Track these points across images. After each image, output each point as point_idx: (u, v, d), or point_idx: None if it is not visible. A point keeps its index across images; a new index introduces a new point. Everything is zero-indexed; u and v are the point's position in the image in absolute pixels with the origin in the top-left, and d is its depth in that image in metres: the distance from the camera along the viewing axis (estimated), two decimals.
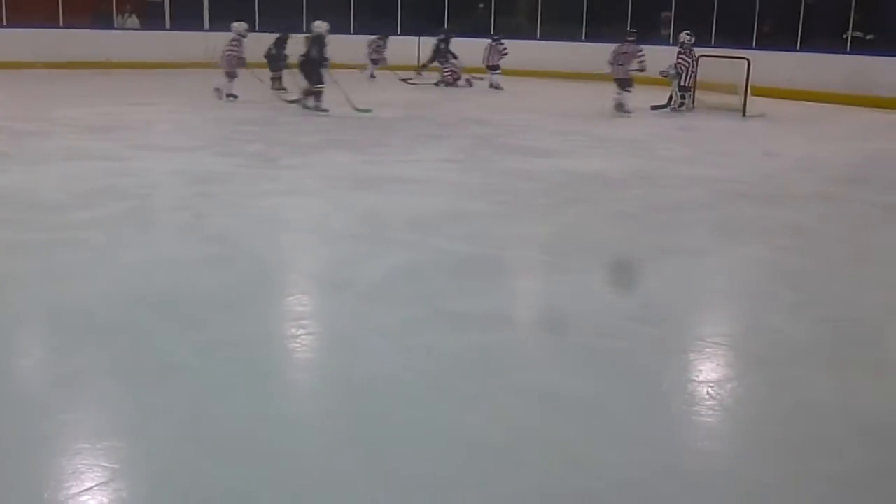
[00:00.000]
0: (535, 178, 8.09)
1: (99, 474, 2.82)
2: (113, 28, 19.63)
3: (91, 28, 19.22)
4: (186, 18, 20.08)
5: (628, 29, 15.08)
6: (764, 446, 3.19)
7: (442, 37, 18.32)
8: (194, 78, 16.80)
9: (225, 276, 5.03)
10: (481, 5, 21.30)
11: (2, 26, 18.25)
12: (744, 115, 13.16)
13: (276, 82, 14.33)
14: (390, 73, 18.17)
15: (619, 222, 6.50)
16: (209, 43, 15.36)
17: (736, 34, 16.65)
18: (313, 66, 12.08)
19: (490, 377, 3.72)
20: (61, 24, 18.71)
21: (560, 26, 20.03)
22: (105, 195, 6.85)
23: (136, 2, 20.55)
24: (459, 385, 3.63)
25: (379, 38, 18.97)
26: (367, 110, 12.16)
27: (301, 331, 4.22)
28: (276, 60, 14.48)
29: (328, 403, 3.52)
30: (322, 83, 12.08)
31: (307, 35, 12.51)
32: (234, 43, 13.43)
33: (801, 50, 15.97)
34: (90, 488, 2.73)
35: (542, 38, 19.96)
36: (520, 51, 18.29)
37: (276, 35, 14.60)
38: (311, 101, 12.19)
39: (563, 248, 5.83)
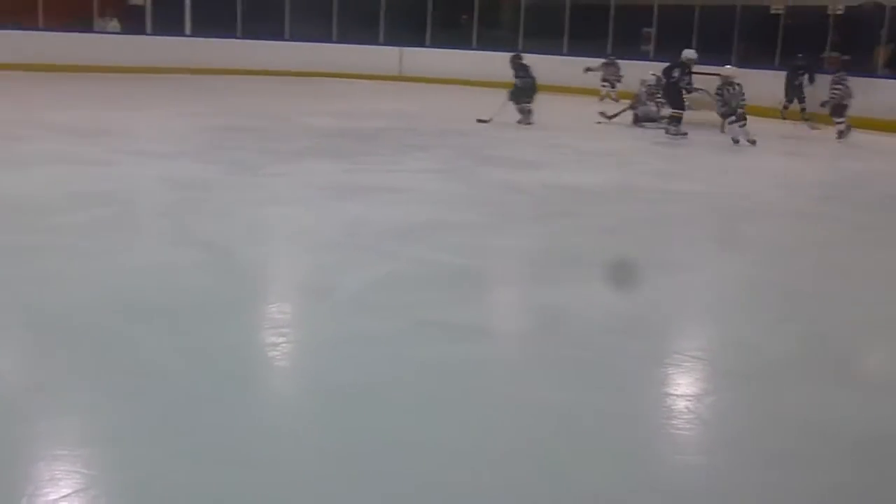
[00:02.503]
0: (519, 191, 8.14)
1: (77, 481, 2.81)
2: (93, 32, 19.54)
3: (71, 31, 19.12)
4: (168, 23, 20.03)
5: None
6: (741, 460, 3.23)
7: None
8: (176, 83, 16.80)
9: (207, 283, 5.02)
10: (464, 17, 21.37)
11: None
12: (722, 131, 13.25)
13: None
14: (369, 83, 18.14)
15: (601, 236, 6.56)
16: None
17: (715, 51, 16.79)
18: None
19: (471, 388, 3.74)
20: (40, 26, 18.62)
21: (542, 40, 20.14)
22: (88, 200, 6.82)
23: (118, 6, 20.48)
24: (440, 395, 3.64)
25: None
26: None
27: (282, 339, 4.22)
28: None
29: (308, 412, 3.53)
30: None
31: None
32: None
33: (779, 68, 16.13)
34: (67, 495, 2.72)
35: (525, 52, 20.04)
36: (503, 63, 18.39)
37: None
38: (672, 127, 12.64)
39: (545, 261, 5.87)
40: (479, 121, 12.79)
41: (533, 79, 13.12)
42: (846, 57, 15.54)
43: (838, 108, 13.02)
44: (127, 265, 5.24)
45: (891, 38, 15.24)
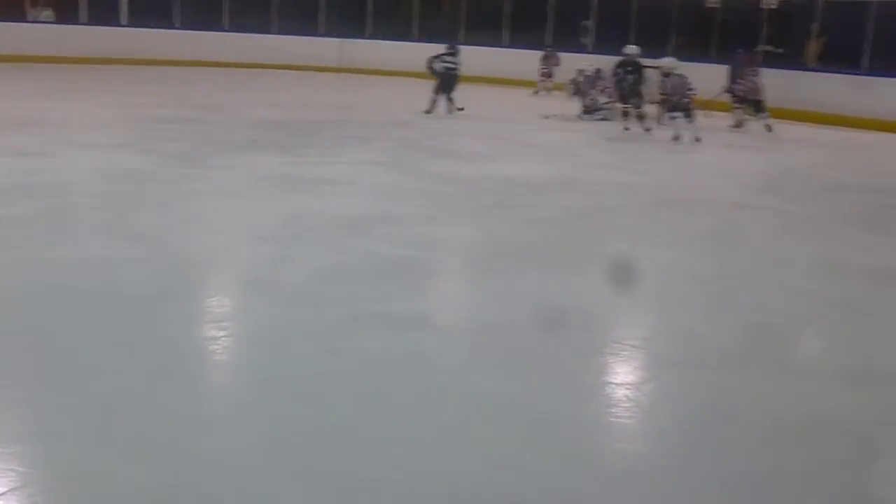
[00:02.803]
0: (461, 182, 8.17)
1: (11, 479, 2.77)
2: (26, 21, 19.11)
3: (3, 21, 18.66)
4: (103, 13, 19.66)
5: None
6: (678, 447, 3.30)
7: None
8: (113, 74, 16.52)
9: (146, 275, 4.95)
10: (405, 9, 21.33)
11: None
12: (660, 123, 13.42)
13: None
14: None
15: (541, 227, 6.61)
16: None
17: (653, 45, 17.01)
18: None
19: (413, 379, 3.76)
20: None
21: (483, 32, 20.21)
22: (22, 192, 6.69)
23: None
24: (383, 387, 3.65)
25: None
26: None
27: (222, 332, 4.20)
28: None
29: (248, 405, 3.50)
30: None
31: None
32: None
33: (716, 62, 16.39)
34: (2, 493, 2.68)
35: (466, 43, 20.10)
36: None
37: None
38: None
39: (486, 252, 5.91)
40: (425, 112, 12.83)
41: (453, 68, 13.14)
42: (760, 49, 15.88)
43: (758, 103, 13.15)
44: (62, 257, 5.15)
45: (822, 32, 15.58)
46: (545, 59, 17.58)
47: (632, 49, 13.14)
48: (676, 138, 11.79)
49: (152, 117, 11.46)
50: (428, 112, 12.85)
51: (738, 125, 13.35)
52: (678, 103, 12.01)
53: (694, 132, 11.81)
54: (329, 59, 20.50)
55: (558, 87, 16.04)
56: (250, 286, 4.99)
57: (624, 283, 5.44)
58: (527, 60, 17.60)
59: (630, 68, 12.72)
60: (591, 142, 11.83)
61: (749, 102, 13.22)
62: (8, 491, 2.69)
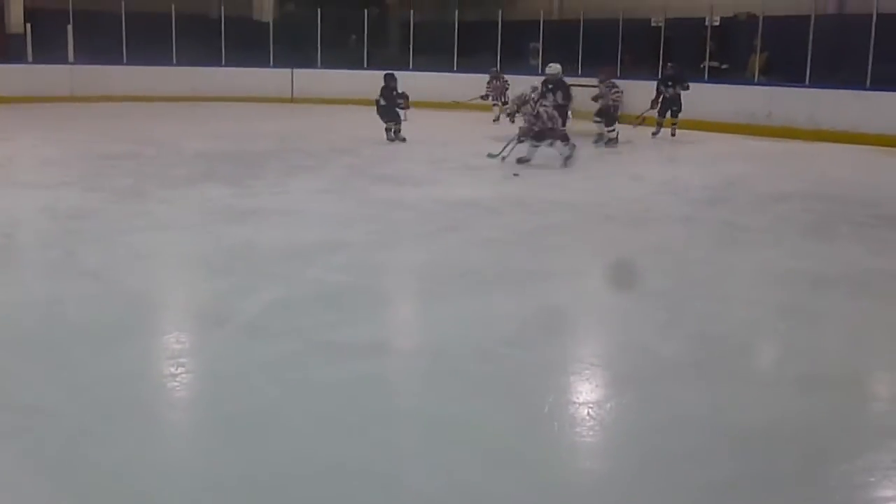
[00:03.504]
0: (409, 207, 8.14)
1: None
2: None
3: None
4: (50, 51, 19.44)
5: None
6: (640, 460, 3.32)
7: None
8: (57, 112, 16.32)
9: (97, 314, 4.87)
10: (353, 36, 21.37)
11: None
12: (607, 141, 13.57)
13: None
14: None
15: (491, 248, 6.61)
16: None
17: (600, 64, 17.20)
18: None
19: (371, 406, 3.74)
20: None
21: (433, 57, 20.30)
22: None
23: None
24: (340, 415, 3.63)
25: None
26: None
27: (178, 368, 4.14)
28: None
29: (207, 441, 3.46)
30: None
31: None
32: None
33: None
34: None
35: (414, 69, 20.20)
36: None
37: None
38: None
39: (437, 276, 5.90)
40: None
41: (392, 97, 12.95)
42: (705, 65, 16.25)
43: (611, 118, 13.29)
44: (10, 299, 5.06)
45: (764, 48, 15.84)
46: (491, 81, 17.42)
47: (554, 67, 12.89)
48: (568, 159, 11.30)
49: (97, 153, 11.29)
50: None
51: (599, 138, 13.28)
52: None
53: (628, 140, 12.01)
54: (281, 90, 20.46)
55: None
56: (204, 321, 4.94)
57: (576, 300, 5.45)
58: (477, 84, 17.68)
59: (551, 86, 12.53)
60: (536, 162, 11.69)
61: (605, 115, 13.30)
62: None
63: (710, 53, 16.70)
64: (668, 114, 14.45)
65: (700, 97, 14.85)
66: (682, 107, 14.35)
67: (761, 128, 14.74)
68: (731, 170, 11.40)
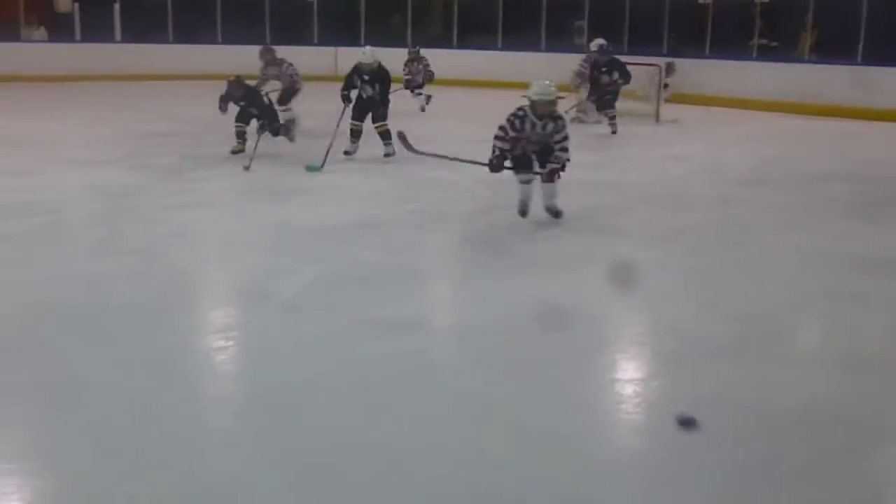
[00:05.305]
0: (447, 187, 8.12)
1: (26, 494, 2.83)
2: (20, 41, 19.12)
3: None
4: (97, 30, 19.67)
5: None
6: (680, 440, 3.30)
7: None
8: (105, 90, 16.50)
9: (143, 290, 4.95)
10: (397, 15, 21.33)
11: None
12: (657, 120, 13.46)
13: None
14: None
15: (532, 228, 6.57)
16: None
17: (647, 42, 17.00)
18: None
19: (411, 383, 3.77)
20: None
21: (476, 36, 20.21)
22: (15, 211, 6.69)
23: (44, 13, 20.06)
24: (382, 392, 3.67)
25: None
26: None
27: (221, 344, 4.21)
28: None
29: (252, 415, 3.52)
30: None
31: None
32: None
33: (710, 57, 16.40)
34: None
35: (458, 47, 20.12)
36: (437, 60, 18.41)
37: None
38: None
39: (477, 255, 5.90)
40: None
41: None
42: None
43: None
44: (60, 275, 5.15)
45: (815, 25, 15.55)
46: (408, 63, 14.82)
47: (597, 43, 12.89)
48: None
49: (143, 132, 11.39)
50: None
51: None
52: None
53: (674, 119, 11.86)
54: (325, 67, 20.51)
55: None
56: (247, 297, 5.00)
57: (618, 280, 5.38)
58: (520, 63, 17.55)
59: (605, 68, 12.19)
60: (578, 141, 11.43)
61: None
62: None
63: (758, 31, 16.42)
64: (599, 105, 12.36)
65: (748, 75, 14.64)
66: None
67: (811, 107, 14.42)
68: (778, 149, 11.24)
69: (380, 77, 9.49)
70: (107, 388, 3.64)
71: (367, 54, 9.48)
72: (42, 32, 19.61)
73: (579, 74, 13.36)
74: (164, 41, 19.83)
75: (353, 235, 6.27)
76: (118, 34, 19.95)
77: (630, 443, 3.42)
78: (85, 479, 2.93)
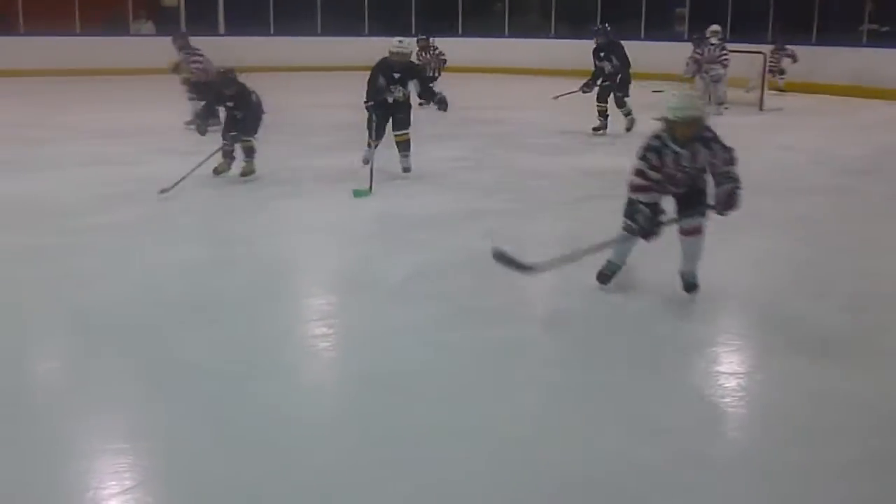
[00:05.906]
0: (548, 176, 8.09)
1: (138, 473, 2.92)
2: (129, 35, 19.72)
3: (107, 35, 19.31)
4: (201, 23, 20.14)
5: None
6: (783, 434, 3.24)
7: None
8: None
9: (247, 278, 5.07)
10: (498, 3, 21.26)
11: (18, 34, 18.38)
12: (761, 108, 13.12)
13: None
14: None
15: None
16: None
17: (751, 29, 16.56)
18: None
19: (513, 372, 3.77)
20: (78, 31, 18.82)
21: (574, 24, 20.00)
22: (122, 200, 6.90)
23: (152, 8, 20.65)
24: (483, 380, 3.68)
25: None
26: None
27: (325, 329, 4.29)
28: None
29: (353, 401, 3.57)
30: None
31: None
32: None
33: (817, 44, 15.88)
34: (131, 487, 2.81)
35: (556, 37, 19.94)
36: (534, 49, 18.32)
37: None
38: None
39: (577, 244, 5.82)
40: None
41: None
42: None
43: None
44: (166, 262, 5.30)
45: None
46: (419, 52, 14.04)
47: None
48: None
49: None
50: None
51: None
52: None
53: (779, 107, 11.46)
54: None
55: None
56: (349, 284, 5.06)
57: (726, 269, 5.27)
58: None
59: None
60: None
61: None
62: (136, 485, 2.82)
63: (869, 15, 15.83)
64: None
65: (858, 62, 14.13)
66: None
67: None
68: (888, 139, 10.83)
69: (413, 73, 8.06)
70: (211, 372, 3.73)
71: (403, 44, 7.96)
72: (150, 26, 20.20)
73: (696, 61, 13.01)
74: (266, 34, 20.19)
75: (455, 224, 6.30)
76: (222, 27, 20.39)
77: (733, 436, 3.37)
78: (191, 461, 3.00)
